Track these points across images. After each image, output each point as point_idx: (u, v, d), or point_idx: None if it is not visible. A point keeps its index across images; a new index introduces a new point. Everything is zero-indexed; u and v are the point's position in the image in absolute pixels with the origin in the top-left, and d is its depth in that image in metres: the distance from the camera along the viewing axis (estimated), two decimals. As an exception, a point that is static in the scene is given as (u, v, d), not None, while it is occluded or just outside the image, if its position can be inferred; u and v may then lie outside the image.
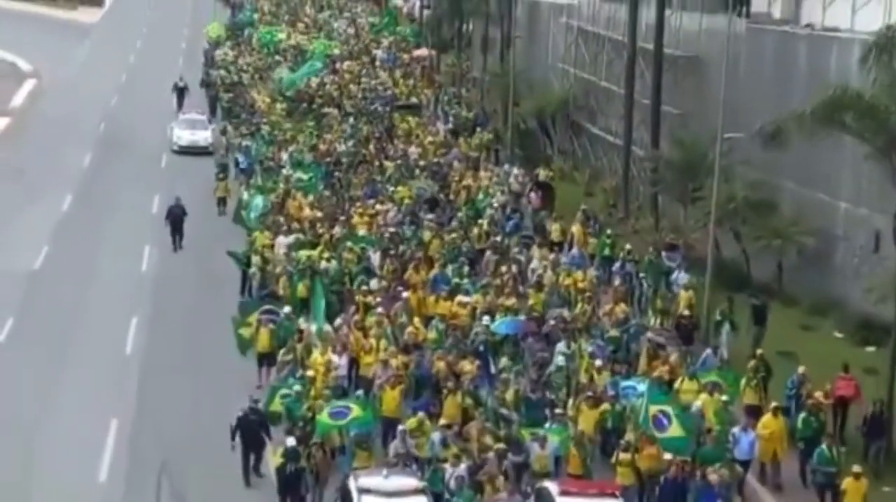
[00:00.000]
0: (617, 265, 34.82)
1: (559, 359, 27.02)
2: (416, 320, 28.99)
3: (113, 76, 69.19)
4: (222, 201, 42.90)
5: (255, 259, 33.94)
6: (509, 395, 25.02)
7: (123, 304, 34.03)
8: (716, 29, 39.29)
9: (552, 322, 29.04)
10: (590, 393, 24.90)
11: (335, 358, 26.94)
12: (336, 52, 67.90)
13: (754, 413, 25.64)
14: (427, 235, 35.97)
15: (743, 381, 26.37)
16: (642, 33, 44.03)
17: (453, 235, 35.93)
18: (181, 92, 59.78)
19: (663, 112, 42.69)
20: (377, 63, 67.43)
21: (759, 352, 27.94)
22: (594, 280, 33.21)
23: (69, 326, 32.28)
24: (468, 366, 26.34)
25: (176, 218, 38.84)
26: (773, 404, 24.84)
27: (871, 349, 31.00)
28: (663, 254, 39.35)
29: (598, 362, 26.64)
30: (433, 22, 72.54)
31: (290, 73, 60.45)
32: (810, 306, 34.37)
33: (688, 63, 43.14)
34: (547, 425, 23.87)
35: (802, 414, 24.78)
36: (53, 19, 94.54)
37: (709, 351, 28.46)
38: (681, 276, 33.55)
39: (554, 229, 38.36)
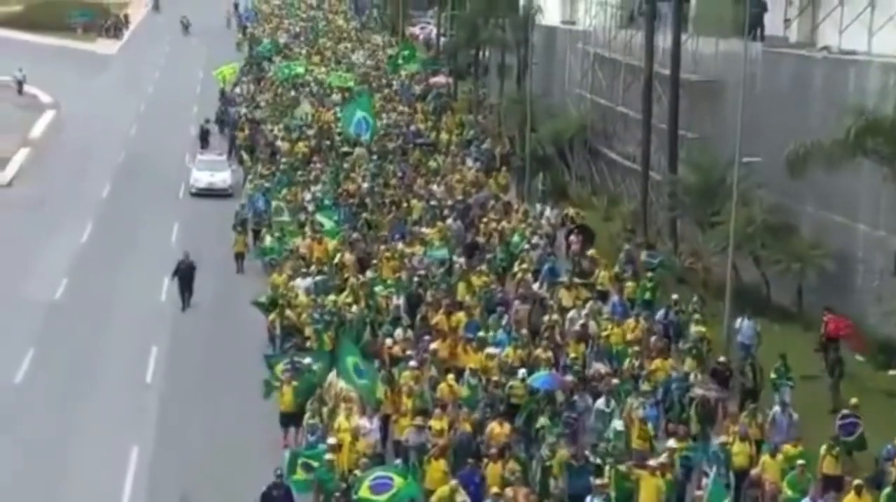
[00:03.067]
0: (660, 313, 32.37)
1: (617, 425, 24.71)
2: (450, 376, 26.70)
3: (132, 107, 69.56)
4: (240, 257, 40.05)
5: (278, 304, 32.04)
6: (555, 462, 22.86)
7: (143, 334, 34.10)
8: (732, 53, 39.29)
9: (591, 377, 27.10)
10: (649, 461, 22.73)
11: (365, 422, 24.60)
12: (351, 84, 66.56)
13: (833, 485, 23.01)
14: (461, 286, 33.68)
15: (823, 448, 23.74)
16: (659, 58, 44.06)
17: (484, 279, 34.11)
18: (206, 134, 58.18)
19: (681, 136, 42.69)
20: (397, 97, 66.51)
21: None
22: (645, 331, 30.58)
23: (89, 356, 32.35)
24: (498, 429, 24.10)
25: (185, 274, 36.12)
26: (857, 481, 22.24)
27: (892, 372, 30.88)
28: (644, 253, 39.66)
29: (651, 425, 24.84)
30: (450, 49, 72.78)
31: (309, 107, 60.09)
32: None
33: (704, 87, 43.13)
34: (589, 499, 21.67)
35: (887, 491, 22.16)
36: (72, 51, 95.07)
37: (777, 409, 25.85)
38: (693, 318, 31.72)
39: (602, 276, 35.69)
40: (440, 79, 71.05)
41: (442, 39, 79.18)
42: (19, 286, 38.12)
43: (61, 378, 30.70)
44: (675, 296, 33.16)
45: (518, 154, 53.20)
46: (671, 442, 23.74)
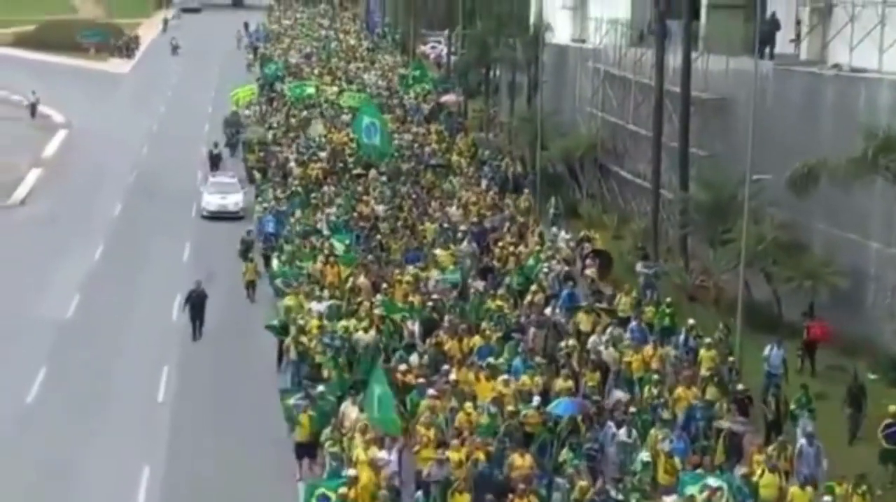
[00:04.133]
0: (679, 339, 31.65)
1: (643, 456, 23.78)
2: (468, 405, 25.98)
3: (143, 126, 69.76)
4: (251, 285, 38.90)
5: (292, 329, 31.48)
6: (575, 495, 22.25)
7: (155, 353, 34.14)
8: (742, 71, 39.32)
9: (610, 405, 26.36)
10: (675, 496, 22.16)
11: (383, 454, 24.06)
12: (374, 109, 66.31)
13: None
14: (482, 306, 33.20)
15: (848, 487, 23.00)
16: (669, 76, 44.09)
17: (499, 303, 33.41)
18: (216, 158, 57.31)
19: (691, 154, 42.69)
20: (409, 117, 66.02)
21: None
22: (666, 358, 29.93)
23: (101, 374, 32.39)
24: (519, 461, 23.41)
25: (196, 303, 35.28)
26: None
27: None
28: (639, 264, 39.60)
29: (678, 459, 23.95)
30: (461, 68, 72.91)
31: (321, 128, 59.94)
32: (843, 347, 34.13)
33: (715, 105, 43.15)
34: None
35: None
36: (84, 70, 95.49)
37: (803, 441, 25.13)
38: (696, 342, 31.10)
39: (623, 302, 34.75)
40: (450, 97, 71.15)
41: (452, 58, 79.34)
42: (31, 304, 38.23)
43: (73, 396, 30.75)
44: (691, 321, 32.53)
45: (529, 171, 53.22)
46: (711, 481, 22.65)
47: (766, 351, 30.54)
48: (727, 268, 37.09)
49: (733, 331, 32.26)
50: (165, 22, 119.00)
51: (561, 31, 60.32)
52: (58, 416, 29.53)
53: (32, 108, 72.94)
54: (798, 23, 39.94)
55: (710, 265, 39.14)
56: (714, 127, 43.10)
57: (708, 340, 30.75)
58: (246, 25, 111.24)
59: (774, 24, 39.40)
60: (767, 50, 39.13)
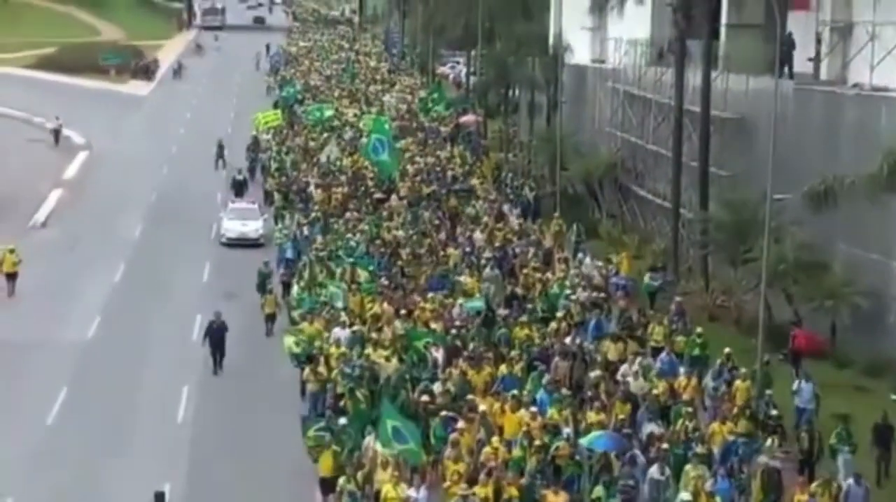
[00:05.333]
0: (712, 369, 30.51)
1: (683, 496, 22.78)
2: (495, 439, 25.28)
3: (164, 147, 70.08)
4: (271, 318, 37.73)
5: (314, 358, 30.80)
6: None
7: (175, 373, 34.16)
8: (762, 90, 39.27)
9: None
10: None
11: (412, 492, 23.53)
12: (387, 128, 66.13)
13: None
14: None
15: None
16: (689, 96, 44.07)
17: (525, 331, 32.56)
18: (240, 185, 56.39)
19: (711, 174, 42.62)
20: (430, 140, 65.75)
21: None
22: (699, 387, 29.13)
23: (122, 395, 32.42)
24: (552, 498, 22.84)
25: (216, 335, 34.40)
26: None
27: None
28: (648, 274, 39.34)
29: (720, 499, 23.09)
30: (480, 88, 72.99)
31: (337, 151, 60.06)
32: (865, 367, 33.98)
33: (735, 124, 43.11)
34: None
35: None
36: (105, 92, 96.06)
37: (851, 481, 24.14)
38: (732, 374, 29.97)
39: (656, 332, 33.67)
40: (469, 118, 71.22)
41: (472, 78, 79.47)
42: (52, 326, 38.33)
43: (94, 417, 30.76)
44: (727, 350, 31.23)
45: (540, 190, 53.13)
46: None
47: (795, 385, 29.72)
48: (748, 288, 37.00)
49: (752, 351, 32.07)
50: (199, 47, 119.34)
51: (580, 51, 60.36)
52: (78, 437, 29.55)
53: (56, 133, 72.74)
54: (818, 42, 39.87)
55: (731, 285, 39.04)
56: (734, 146, 43.04)
57: (744, 370, 29.84)
58: (267, 48, 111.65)
59: (791, 44, 39.34)
60: (786, 69, 39.06)
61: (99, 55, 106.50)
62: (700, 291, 40.28)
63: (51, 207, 55.80)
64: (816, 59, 39.81)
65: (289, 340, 32.59)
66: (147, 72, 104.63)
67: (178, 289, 42.86)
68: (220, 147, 64.58)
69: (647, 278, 40.06)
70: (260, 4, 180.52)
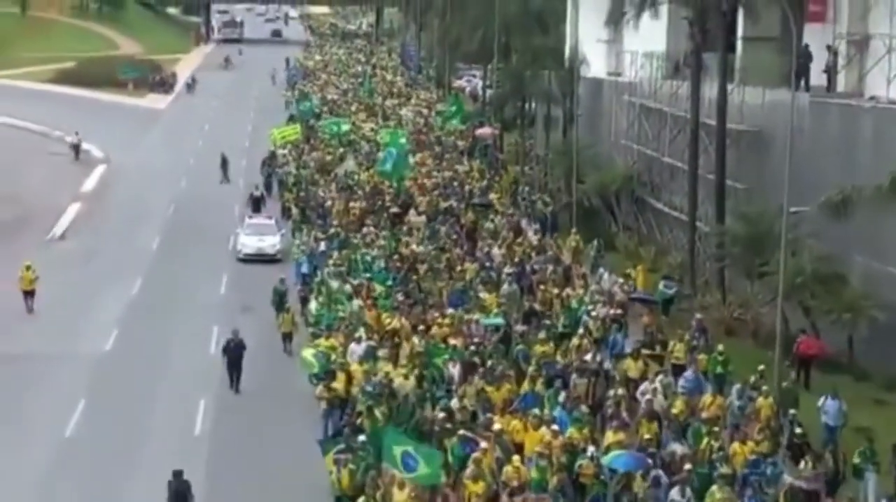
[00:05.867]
0: (736, 388, 29.99)
1: None
2: (516, 458, 24.91)
3: (181, 160, 70.33)
4: (288, 337, 37.00)
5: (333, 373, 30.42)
6: None
7: (192, 386, 34.23)
8: (778, 103, 39.26)
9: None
10: None
11: None
12: (403, 141, 65.39)
13: None
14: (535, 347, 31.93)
15: None
16: (705, 108, 44.08)
17: (544, 348, 32.18)
18: (257, 202, 55.84)
19: (728, 186, 42.60)
20: (448, 154, 65.65)
21: None
22: (728, 408, 28.60)
23: (139, 408, 32.51)
24: None
25: (234, 354, 33.89)
26: None
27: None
28: (661, 282, 39.24)
29: None
30: (496, 101, 73.12)
31: (353, 164, 59.87)
32: (884, 380, 33.90)
33: (751, 137, 43.10)
34: None
35: None
36: (123, 106, 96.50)
37: None
38: (753, 393, 29.47)
39: (677, 349, 33.23)
40: (486, 131, 71.34)
41: (488, 91, 79.59)
42: (70, 338, 38.49)
43: (111, 430, 30.85)
44: (761, 368, 30.74)
45: (563, 201, 53.06)
46: None
47: (821, 401, 29.20)
48: (765, 301, 36.93)
49: (769, 364, 31.99)
50: (227, 60, 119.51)
51: (596, 64, 60.44)
52: (96, 449, 29.63)
53: (76, 148, 72.75)
54: (835, 54, 39.87)
55: (748, 298, 38.99)
56: (750, 159, 43.02)
57: (765, 388, 29.50)
58: (287, 61, 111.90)
59: (807, 56, 39.35)
60: (802, 82, 39.05)
61: (117, 69, 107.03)
62: (717, 304, 40.23)
63: (69, 220, 56.07)
64: (832, 72, 39.77)
65: (307, 353, 32.61)
66: (165, 85, 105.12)
67: (196, 301, 42.97)
68: (224, 161, 64.62)
69: (660, 286, 40.14)
70: (277, 18, 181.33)
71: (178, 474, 25.03)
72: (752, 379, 30.21)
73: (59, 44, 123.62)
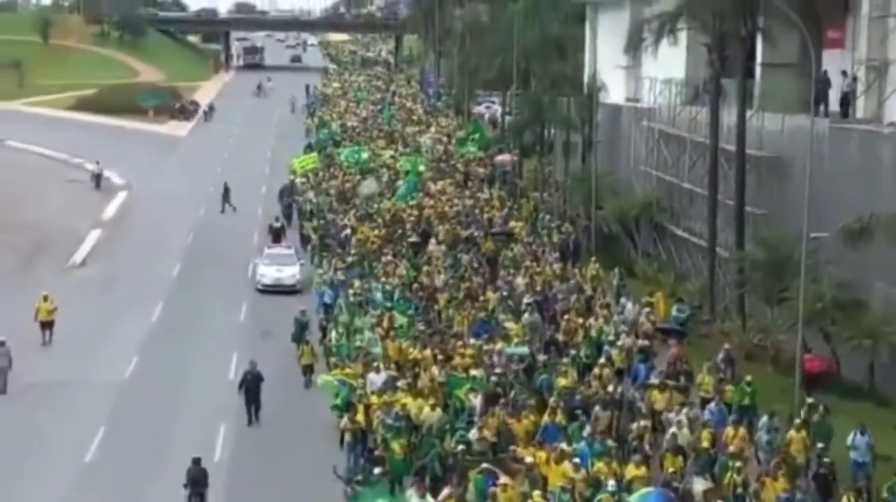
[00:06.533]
0: (764, 420, 29.15)
1: None
2: (537, 493, 24.39)
3: (201, 187, 70.55)
4: (308, 369, 36.47)
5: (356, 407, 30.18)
6: None
7: (212, 413, 34.27)
8: (798, 129, 39.22)
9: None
10: None
11: None
12: (422, 168, 65.23)
13: None
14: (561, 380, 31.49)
15: None
16: (724, 134, 44.05)
17: (566, 379, 31.82)
18: (277, 233, 55.13)
19: (747, 212, 42.52)
20: (469, 181, 65.29)
21: None
22: (747, 438, 27.88)
23: (159, 435, 32.56)
24: None
25: (251, 386, 33.46)
26: None
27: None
28: (675, 306, 39.05)
29: None
30: (515, 128, 73.20)
31: (375, 184, 59.94)
32: (904, 407, 33.69)
33: (771, 163, 43.03)
34: None
35: None
36: (144, 133, 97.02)
37: None
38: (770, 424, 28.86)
39: (706, 382, 32.36)
40: (505, 157, 71.42)
41: (507, 118, 79.69)
42: (90, 365, 38.59)
43: (131, 456, 30.90)
44: (810, 400, 29.84)
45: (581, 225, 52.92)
46: None
47: (850, 438, 28.20)
48: (785, 328, 36.77)
49: (789, 391, 31.83)
50: (260, 87, 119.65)
51: (615, 90, 60.48)
52: (116, 476, 29.70)
53: (97, 178, 72.69)
54: (854, 80, 39.84)
55: (768, 324, 38.84)
56: (770, 185, 42.94)
57: (797, 421, 28.70)
58: (307, 89, 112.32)
59: (826, 83, 39.31)
60: (821, 108, 39.02)
61: (138, 96, 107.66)
62: (737, 330, 40.11)
63: (90, 247, 56.32)
64: (849, 97, 39.71)
65: (328, 377, 32.57)
66: (185, 112, 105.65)
67: (215, 328, 43.06)
68: (226, 190, 64.35)
69: (674, 310, 39.98)
70: (297, 45, 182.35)
71: (196, 461, 27.64)
72: (767, 416, 29.31)
73: (80, 71, 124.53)
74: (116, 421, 33.53)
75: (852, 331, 35.06)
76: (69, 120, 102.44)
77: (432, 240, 50.17)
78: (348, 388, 31.79)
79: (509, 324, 37.48)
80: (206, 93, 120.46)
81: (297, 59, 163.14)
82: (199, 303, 46.40)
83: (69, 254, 54.60)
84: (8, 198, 67.66)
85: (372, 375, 32.49)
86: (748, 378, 32.56)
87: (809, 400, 30.15)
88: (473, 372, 32.54)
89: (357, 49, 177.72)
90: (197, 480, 27.25)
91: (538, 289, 42.34)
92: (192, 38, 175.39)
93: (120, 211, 65.71)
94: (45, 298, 41.06)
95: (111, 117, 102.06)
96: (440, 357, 33.85)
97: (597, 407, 29.71)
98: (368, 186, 60.73)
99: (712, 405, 30.45)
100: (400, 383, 31.87)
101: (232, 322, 43.79)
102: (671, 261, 51.00)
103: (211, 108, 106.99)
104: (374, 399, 30.81)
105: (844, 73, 39.71)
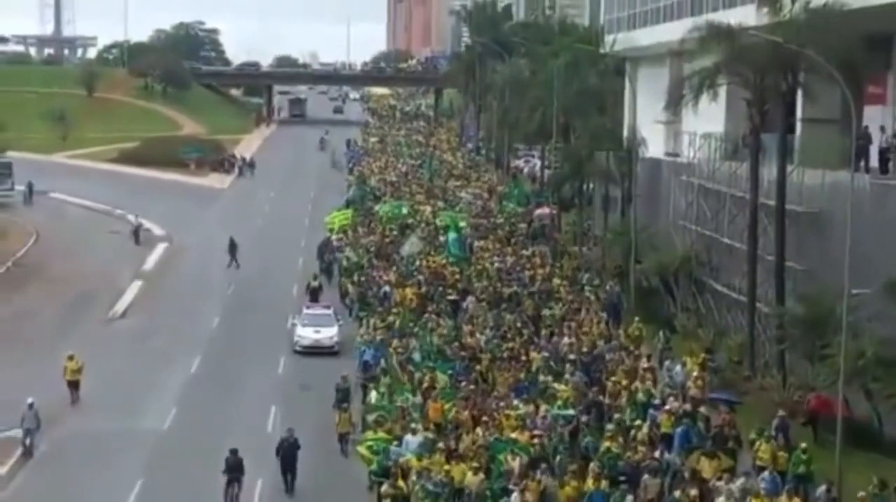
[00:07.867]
0: (821, 490, 28.60)
1: None
2: None
3: (241, 239, 70.85)
4: (344, 438, 35.41)
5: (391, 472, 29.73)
6: None
7: (250, 466, 34.06)
8: (838, 184, 39.07)
9: None
10: None
11: None
12: (463, 224, 64.51)
13: None
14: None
15: None
16: (764, 189, 43.93)
17: (610, 444, 31.05)
18: (315, 292, 54.06)
19: (787, 268, 42.31)
20: (513, 239, 64.50)
21: None
22: None
23: (197, 487, 32.59)
24: None
25: (287, 453, 32.73)
26: None
27: None
28: (702, 355, 39.39)
29: None
30: (555, 181, 73.33)
31: (418, 243, 59.73)
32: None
33: (811, 218, 42.85)
34: None
35: None
36: (185, 185, 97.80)
37: None
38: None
39: (762, 450, 31.41)
40: (544, 211, 71.47)
41: (546, 172, 79.84)
42: (129, 416, 38.75)
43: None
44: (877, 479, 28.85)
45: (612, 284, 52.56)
46: None
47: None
48: (826, 385, 36.44)
49: (829, 446, 31.35)
50: (323, 140, 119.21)
51: (654, 145, 60.51)
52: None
53: (136, 232, 72.13)
54: (894, 135, 39.68)
55: (809, 381, 38.50)
56: (810, 240, 42.73)
57: (861, 494, 27.80)
58: (348, 143, 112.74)
59: (867, 138, 39.18)
60: (862, 163, 38.88)
61: (180, 149, 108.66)
62: (777, 386, 39.80)
63: (130, 298, 56.67)
64: (888, 152, 39.54)
65: (362, 450, 32.36)
66: (226, 165, 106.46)
67: (254, 380, 43.16)
68: (233, 244, 63.75)
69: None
70: (338, 97, 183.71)
71: (234, 451, 31.31)
72: (825, 485, 28.79)
73: (123, 124, 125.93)
74: (155, 473, 33.61)
75: (894, 389, 34.71)
76: (112, 172, 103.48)
77: (470, 298, 49.55)
78: (383, 453, 31.46)
79: (557, 386, 36.94)
80: (247, 145, 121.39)
81: (339, 109, 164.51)
82: (238, 355, 46.53)
83: (110, 305, 54.99)
84: (51, 250, 68.37)
85: (408, 436, 32.10)
86: (803, 445, 31.83)
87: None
88: (515, 435, 32.02)
89: (397, 103, 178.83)
90: (235, 465, 31.15)
91: (584, 349, 41.70)
92: (235, 92, 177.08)
93: (160, 262, 66.15)
94: (71, 358, 40.44)
95: (153, 169, 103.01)
96: (484, 418, 33.41)
97: (646, 475, 29.09)
98: (412, 244, 60.49)
99: (766, 473, 29.71)
100: (440, 445, 31.46)
101: (270, 375, 43.88)
102: (710, 316, 50.73)
103: (252, 162, 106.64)
104: (413, 462, 30.31)
105: (883, 129, 39.59)
